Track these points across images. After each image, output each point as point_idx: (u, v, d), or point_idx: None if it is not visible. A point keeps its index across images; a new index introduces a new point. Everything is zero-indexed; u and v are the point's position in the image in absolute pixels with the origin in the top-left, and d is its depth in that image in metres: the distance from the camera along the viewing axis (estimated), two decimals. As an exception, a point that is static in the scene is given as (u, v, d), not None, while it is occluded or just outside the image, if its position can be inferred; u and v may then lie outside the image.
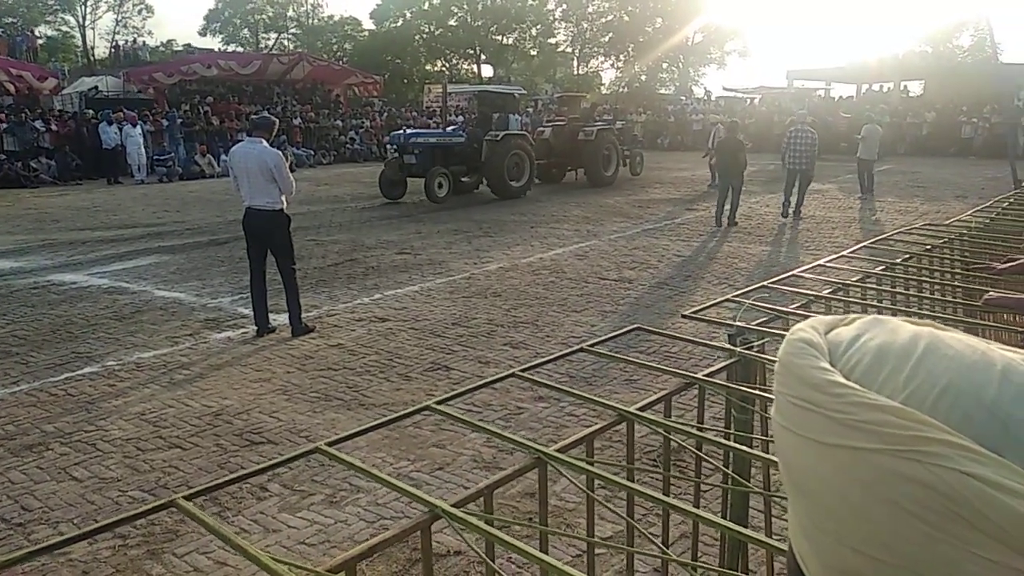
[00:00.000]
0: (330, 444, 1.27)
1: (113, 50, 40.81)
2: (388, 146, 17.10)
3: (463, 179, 15.63)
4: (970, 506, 0.40)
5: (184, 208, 14.70)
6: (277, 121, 6.76)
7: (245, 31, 50.71)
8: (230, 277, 8.66)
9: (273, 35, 51.52)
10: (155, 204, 15.32)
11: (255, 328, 6.49)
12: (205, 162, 21.04)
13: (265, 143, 6.24)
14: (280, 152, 6.46)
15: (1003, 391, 0.44)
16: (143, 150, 19.84)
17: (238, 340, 6.36)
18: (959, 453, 0.41)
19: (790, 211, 12.74)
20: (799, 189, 12.74)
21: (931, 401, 0.44)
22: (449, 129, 16.51)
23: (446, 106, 20.50)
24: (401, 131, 16.30)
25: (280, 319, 6.71)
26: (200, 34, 50.03)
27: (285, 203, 6.36)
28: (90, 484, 3.94)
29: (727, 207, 11.95)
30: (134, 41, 41.59)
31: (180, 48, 42.38)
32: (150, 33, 49.30)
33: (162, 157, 20.58)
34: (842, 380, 0.47)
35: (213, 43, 48.15)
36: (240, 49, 47.21)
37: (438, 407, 1.45)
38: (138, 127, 19.86)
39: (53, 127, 20.42)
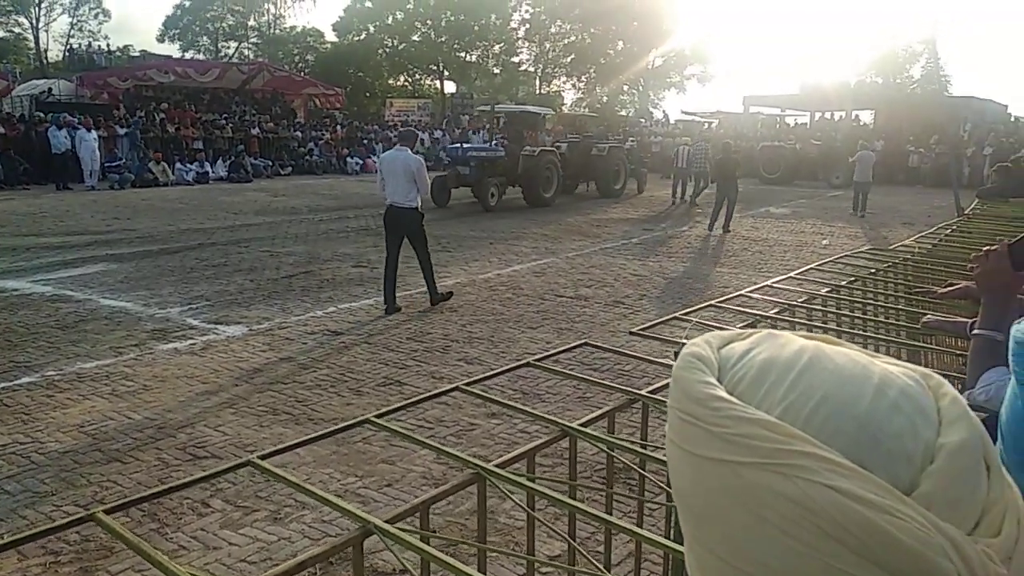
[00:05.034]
0: (263, 457, 1.23)
1: (67, 53, 39.90)
2: (444, 158, 19.60)
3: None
4: (832, 520, 0.40)
5: (135, 216, 14.37)
6: (419, 133, 8.53)
7: (204, 39, 50.00)
8: (179, 287, 8.47)
9: (233, 44, 50.88)
10: (105, 211, 14.95)
11: (384, 307, 7.55)
12: (159, 169, 20.61)
13: (409, 151, 7.54)
14: (420, 159, 7.67)
15: (876, 404, 0.44)
16: (97, 155, 19.37)
17: (185, 351, 6.21)
18: (823, 466, 0.41)
19: (695, 199, 18.17)
20: (695, 184, 18.54)
21: (806, 414, 0.44)
22: (491, 144, 18.60)
23: (495, 124, 21.78)
24: (458, 145, 18.17)
25: (229, 330, 6.59)
26: (158, 40, 49.27)
27: (419, 202, 7.55)
28: (22, 498, 3.79)
29: (721, 217, 13.86)
30: (89, 45, 40.77)
31: (137, 54, 41.66)
32: (107, 38, 48.24)
33: (114, 164, 20.09)
34: (721, 394, 0.47)
35: (171, 50, 47.45)
36: (199, 57, 46.56)
37: (378, 420, 1.42)
38: (92, 132, 19.38)
39: (0, 129, 19.83)
